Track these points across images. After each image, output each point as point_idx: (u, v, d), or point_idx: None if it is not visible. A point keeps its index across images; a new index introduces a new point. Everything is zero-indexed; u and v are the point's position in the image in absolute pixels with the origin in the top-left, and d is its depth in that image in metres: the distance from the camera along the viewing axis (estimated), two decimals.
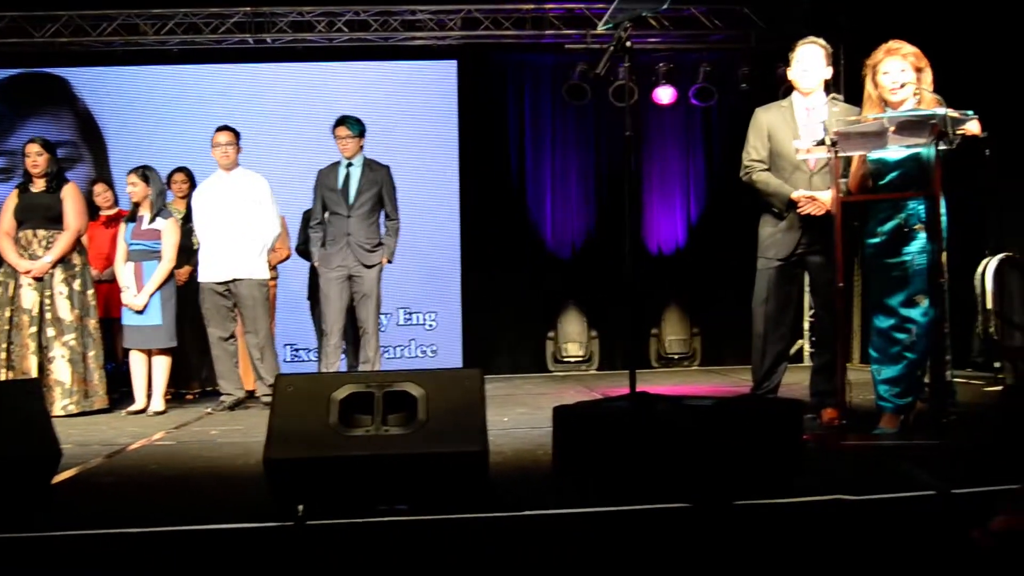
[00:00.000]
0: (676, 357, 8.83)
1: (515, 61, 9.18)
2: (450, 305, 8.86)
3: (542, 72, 9.19)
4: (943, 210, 3.95)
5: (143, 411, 5.99)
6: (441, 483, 2.88)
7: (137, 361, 6.09)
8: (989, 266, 5.77)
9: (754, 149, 4.74)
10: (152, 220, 6.09)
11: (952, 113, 3.75)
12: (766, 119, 4.74)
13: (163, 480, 3.70)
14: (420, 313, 8.81)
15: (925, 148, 3.88)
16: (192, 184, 7.00)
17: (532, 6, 8.52)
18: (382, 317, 8.50)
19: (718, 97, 8.90)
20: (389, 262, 6.26)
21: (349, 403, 2.98)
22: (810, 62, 4.63)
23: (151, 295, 5.96)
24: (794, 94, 4.75)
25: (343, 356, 6.42)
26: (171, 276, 6.13)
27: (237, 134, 6.22)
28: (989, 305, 5.78)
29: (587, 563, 2.64)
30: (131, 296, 5.98)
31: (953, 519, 2.87)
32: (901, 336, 4.10)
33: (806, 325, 8.46)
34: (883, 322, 4.17)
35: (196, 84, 8.65)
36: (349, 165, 6.19)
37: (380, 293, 6.21)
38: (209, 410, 6.08)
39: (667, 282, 9.18)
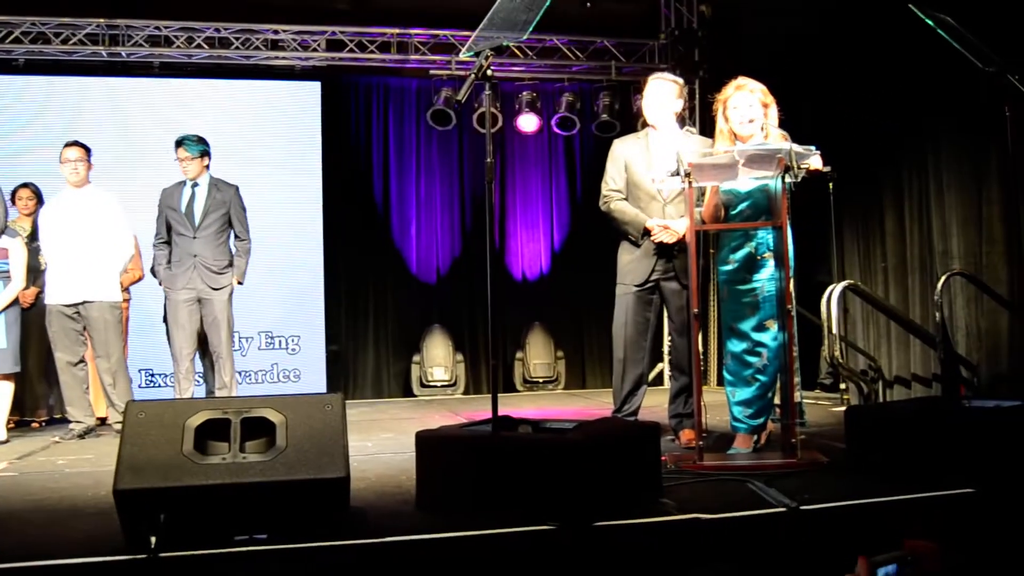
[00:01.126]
0: (541, 381, 8.93)
1: (380, 85, 9.17)
2: (313, 329, 8.73)
3: (407, 97, 9.21)
4: (790, 239, 4.14)
5: None
6: (302, 511, 2.82)
7: None
8: (834, 293, 6.06)
9: (612, 179, 4.86)
10: None
11: (797, 148, 3.94)
12: (623, 150, 4.87)
13: (5, 514, 3.49)
14: (282, 337, 8.64)
15: (773, 180, 4.06)
16: (39, 201, 6.69)
17: (397, 30, 8.54)
18: (242, 341, 8.33)
19: (580, 126, 9.12)
20: (240, 283, 6.09)
21: (205, 430, 2.89)
22: (661, 96, 4.78)
23: None
24: (650, 125, 4.89)
25: (200, 381, 6.22)
26: (15, 298, 5.83)
27: (88, 150, 5.96)
28: (834, 330, 6.07)
29: None
30: None
31: (803, 534, 3.00)
32: (753, 360, 4.26)
33: (666, 349, 8.70)
34: (736, 346, 4.33)
35: (44, 96, 8.28)
36: (194, 185, 6.02)
37: (231, 316, 6.03)
38: (57, 438, 5.78)
39: (531, 307, 9.31)
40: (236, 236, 6.10)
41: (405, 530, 2.89)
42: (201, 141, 6.05)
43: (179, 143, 6.02)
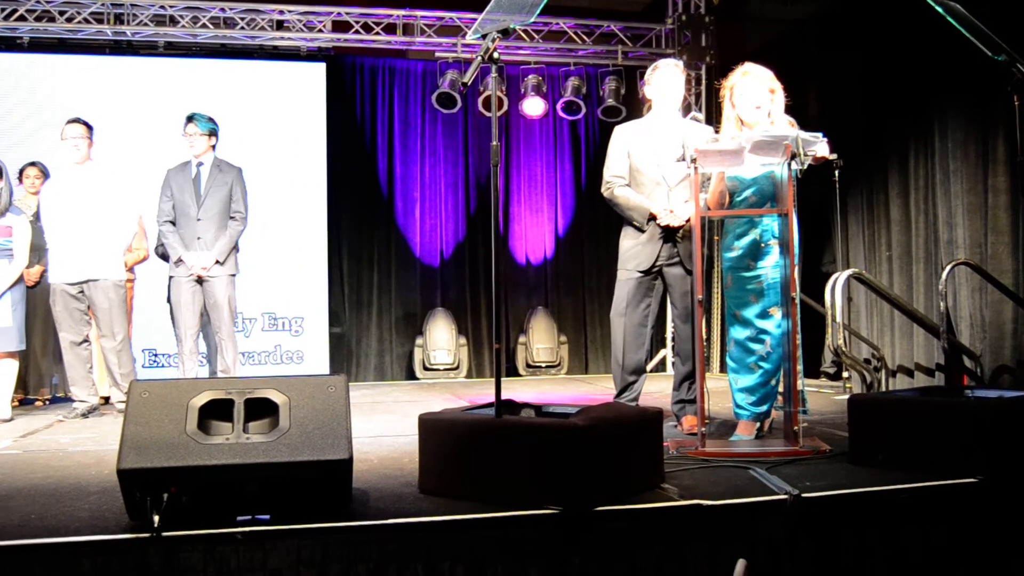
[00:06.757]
0: (543, 365, 8.94)
1: (385, 67, 9.15)
2: (317, 310, 8.74)
3: (412, 79, 9.20)
4: (796, 227, 4.12)
5: None
6: (304, 492, 2.82)
7: None
8: (838, 281, 6.04)
9: (615, 165, 4.83)
10: (1, 216, 5.77)
11: (804, 135, 3.92)
12: (626, 136, 4.85)
13: (8, 491, 3.50)
14: (286, 318, 8.65)
15: (779, 167, 4.04)
16: (46, 180, 6.68)
17: (403, 12, 8.51)
18: (246, 322, 8.34)
19: (585, 111, 9.09)
20: (219, 263, 5.89)
21: (208, 410, 2.89)
22: (666, 82, 4.76)
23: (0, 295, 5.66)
24: (653, 112, 4.87)
25: (204, 362, 6.21)
26: (20, 276, 5.84)
27: (90, 127, 5.94)
28: (838, 318, 6.05)
29: (453, 571, 2.65)
30: None
31: (804, 522, 3.00)
32: (757, 347, 4.26)
33: (668, 335, 8.71)
34: (740, 333, 4.32)
35: (48, 75, 8.27)
36: (199, 165, 6.00)
37: (234, 299, 6.00)
38: (60, 417, 5.80)
39: (535, 291, 9.32)
40: (231, 216, 5.99)
41: (407, 513, 2.89)
42: (211, 120, 6.05)
43: (190, 119, 6.01)
